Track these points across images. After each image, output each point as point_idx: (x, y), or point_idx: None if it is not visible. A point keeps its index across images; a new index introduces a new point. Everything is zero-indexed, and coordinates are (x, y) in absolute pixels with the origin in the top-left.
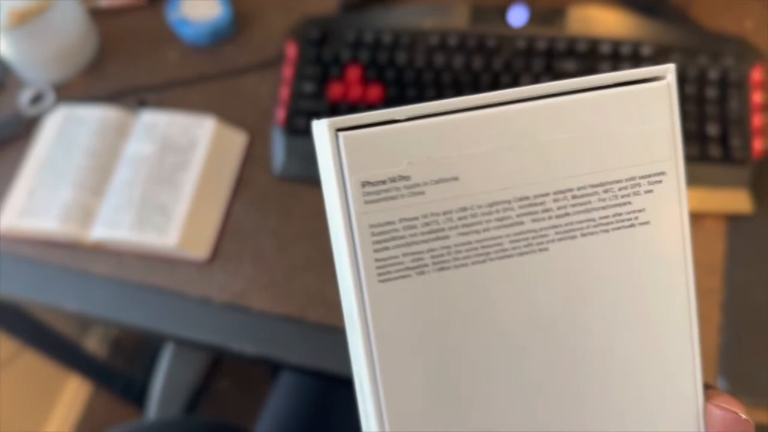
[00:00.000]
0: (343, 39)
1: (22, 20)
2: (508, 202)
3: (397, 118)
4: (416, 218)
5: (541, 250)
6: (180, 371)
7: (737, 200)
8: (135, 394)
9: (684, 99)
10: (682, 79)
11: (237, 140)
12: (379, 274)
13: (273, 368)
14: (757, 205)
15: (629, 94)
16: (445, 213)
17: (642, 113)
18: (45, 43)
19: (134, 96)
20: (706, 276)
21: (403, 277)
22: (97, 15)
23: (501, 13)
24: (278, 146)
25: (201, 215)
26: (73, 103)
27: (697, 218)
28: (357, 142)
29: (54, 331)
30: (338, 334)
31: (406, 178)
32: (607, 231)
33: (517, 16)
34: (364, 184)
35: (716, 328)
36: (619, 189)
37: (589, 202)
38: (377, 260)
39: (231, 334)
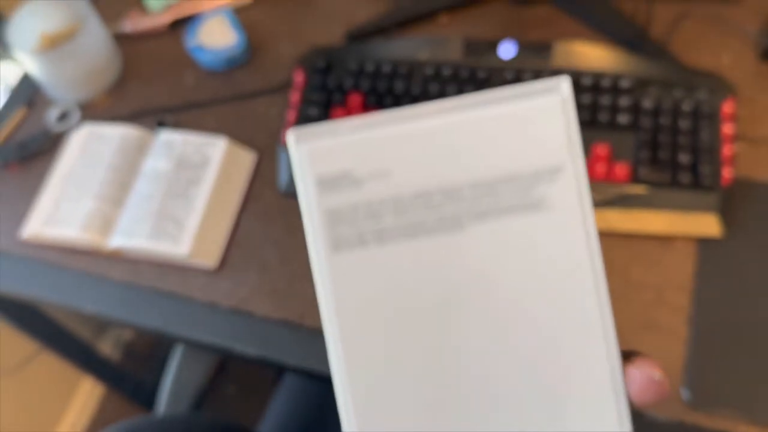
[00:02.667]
0: (347, 68)
1: (53, 44)
2: (431, 193)
3: (343, 131)
4: (358, 204)
5: (459, 229)
6: (188, 373)
7: (706, 224)
8: (145, 396)
9: (658, 129)
10: (657, 111)
11: (247, 159)
12: (332, 247)
13: (278, 372)
14: (725, 229)
15: (529, 107)
16: (381, 201)
17: (542, 121)
18: (72, 65)
19: (153, 116)
20: (675, 293)
21: (350, 249)
22: (121, 39)
23: (492, 46)
24: (284, 165)
25: (211, 227)
26: (97, 122)
27: (668, 240)
28: (314, 150)
29: (71, 334)
30: None
31: (350, 175)
32: (513, 214)
33: (507, 50)
34: (319, 180)
35: (683, 341)
36: (523, 181)
37: (498, 191)
38: (330, 237)
39: (235, 337)
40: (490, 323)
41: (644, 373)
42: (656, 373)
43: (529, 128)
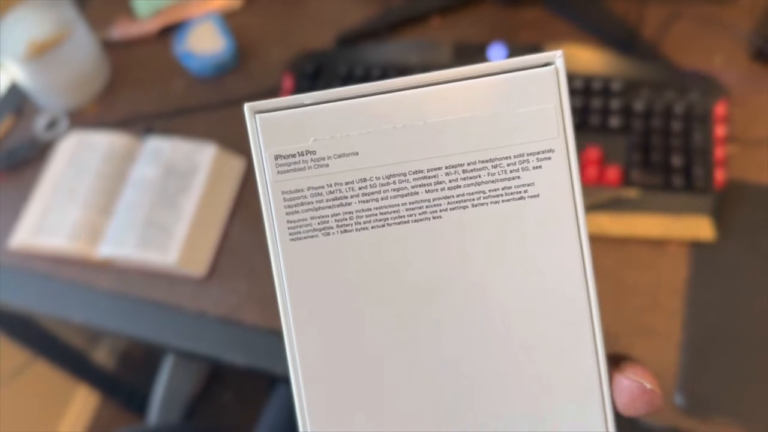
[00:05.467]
0: (336, 73)
1: (40, 51)
2: (404, 174)
3: (305, 102)
4: (322, 187)
5: (434, 217)
6: (179, 381)
7: (700, 227)
8: (140, 404)
9: (650, 131)
10: (649, 113)
11: (236, 165)
12: (291, 234)
13: (270, 381)
14: (718, 232)
15: (518, 78)
16: (347, 183)
17: (531, 95)
18: (60, 73)
19: (142, 123)
20: (668, 298)
21: (311, 237)
22: (109, 46)
23: (482, 50)
24: None
25: (200, 235)
26: (85, 129)
27: (661, 244)
28: (271, 122)
29: (64, 343)
30: None
31: (312, 152)
32: (497, 202)
33: (497, 53)
34: (277, 157)
35: (676, 346)
36: (508, 164)
37: (479, 176)
38: (289, 222)
39: (224, 346)
40: (469, 321)
41: (634, 381)
42: (647, 382)
43: (515, 103)
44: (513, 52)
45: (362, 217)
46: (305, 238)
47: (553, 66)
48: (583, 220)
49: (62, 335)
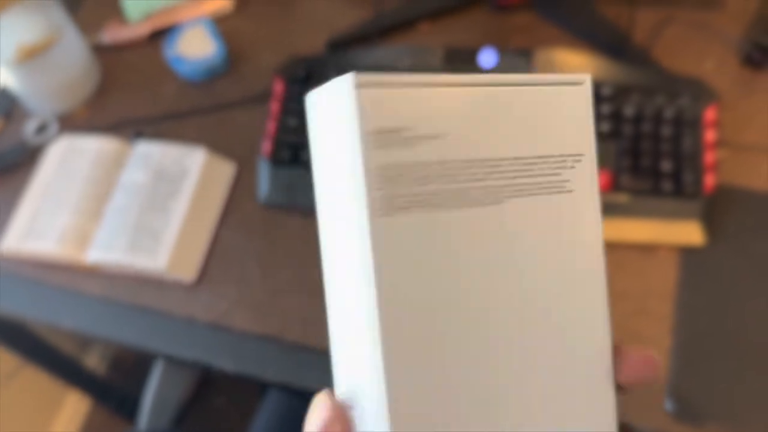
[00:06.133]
0: (327, 77)
1: (30, 55)
2: (480, 161)
3: (405, 82)
4: (409, 165)
5: (498, 203)
6: (170, 386)
7: (689, 232)
8: (131, 409)
9: (640, 136)
10: (639, 118)
11: (226, 170)
12: (379, 208)
13: (262, 386)
14: (708, 237)
15: (562, 92)
16: (429, 164)
17: (571, 107)
18: (50, 77)
19: (133, 127)
20: (658, 303)
21: (398, 212)
22: (99, 50)
23: (473, 54)
24: (264, 176)
25: (189, 240)
26: (75, 134)
27: (650, 249)
28: (373, 98)
29: (54, 348)
30: (313, 353)
31: (406, 129)
32: (544, 194)
33: (488, 59)
34: (375, 132)
35: (666, 351)
36: (553, 162)
37: (533, 170)
38: (377, 197)
39: (213, 352)
40: (518, 303)
41: (639, 351)
42: (649, 352)
43: (561, 113)
44: (504, 57)
45: (438, 197)
46: (391, 214)
47: (584, 86)
48: (599, 216)
49: (53, 341)
